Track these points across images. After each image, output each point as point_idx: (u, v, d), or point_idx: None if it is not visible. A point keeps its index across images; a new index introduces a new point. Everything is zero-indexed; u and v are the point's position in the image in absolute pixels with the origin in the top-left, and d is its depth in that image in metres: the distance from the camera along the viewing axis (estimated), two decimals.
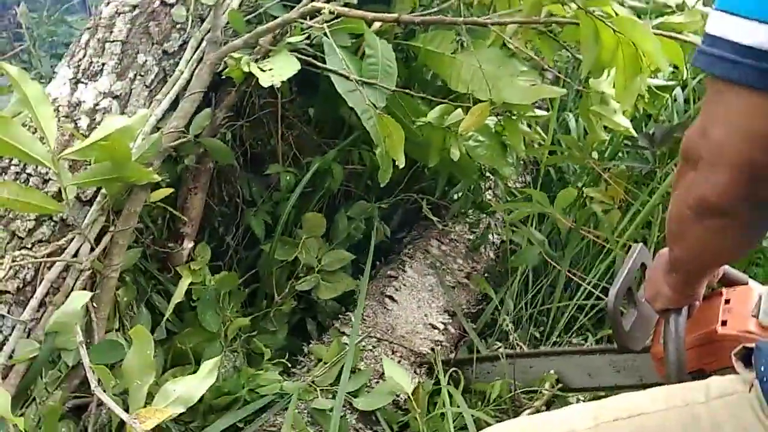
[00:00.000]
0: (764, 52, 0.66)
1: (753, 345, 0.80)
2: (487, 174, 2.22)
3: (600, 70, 1.44)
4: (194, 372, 1.55)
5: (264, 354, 1.71)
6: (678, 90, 2.26)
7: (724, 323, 1.04)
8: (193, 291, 1.60)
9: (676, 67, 1.40)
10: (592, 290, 1.95)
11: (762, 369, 0.76)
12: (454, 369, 1.80)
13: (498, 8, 1.60)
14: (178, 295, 1.50)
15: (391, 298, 1.94)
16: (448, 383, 1.76)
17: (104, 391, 1.17)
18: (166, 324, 1.57)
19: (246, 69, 1.47)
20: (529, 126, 1.99)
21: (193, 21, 1.68)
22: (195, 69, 1.59)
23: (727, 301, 1.07)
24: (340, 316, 1.90)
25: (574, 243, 2.12)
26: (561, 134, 2.33)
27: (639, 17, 1.54)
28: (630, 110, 1.60)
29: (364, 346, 1.79)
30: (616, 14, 1.41)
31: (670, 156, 2.02)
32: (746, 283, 1.12)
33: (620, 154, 2.20)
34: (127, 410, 1.13)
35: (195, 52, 1.62)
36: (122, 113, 1.52)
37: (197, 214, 1.64)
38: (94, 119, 1.50)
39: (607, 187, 2.17)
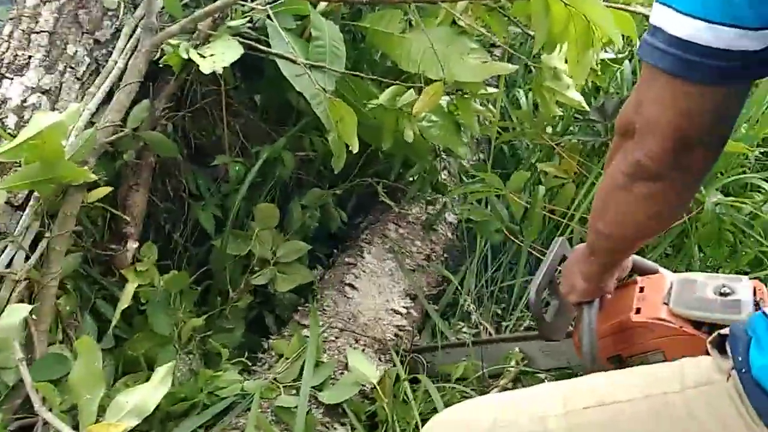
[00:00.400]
0: (689, 43, 0.73)
1: (726, 332, 0.79)
2: (442, 154, 2.18)
3: (552, 45, 1.41)
4: (148, 379, 1.49)
5: (221, 354, 1.64)
6: (626, 62, 2.26)
7: (638, 311, 1.08)
8: (141, 294, 1.51)
9: (628, 38, 1.38)
10: None
11: (739, 359, 0.75)
12: (418, 354, 1.78)
13: None
14: (125, 301, 1.41)
15: (351, 285, 1.89)
16: (414, 368, 1.74)
17: (50, 409, 1.10)
18: (115, 331, 1.48)
19: (185, 56, 1.39)
20: (482, 104, 1.96)
21: (125, 7, 1.57)
22: (130, 58, 1.49)
23: (642, 289, 1.11)
24: (299, 308, 1.84)
25: (532, 219, 2.11)
26: (513, 110, 2.31)
27: None
28: (581, 84, 1.58)
29: (326, 337, 1.74)
30: None
31: None
32: (657, 272, 1.17)
33: (571, 128, 2.19)
34: (77, 427, 1.06)
35: (129, 40, 1.52)
36: (53, 109, 1.42)
37: (140, 212, 1.55)
38: (22, 117, 1.39)
39: (560, 161, 2.16)
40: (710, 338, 0.82)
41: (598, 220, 0.97)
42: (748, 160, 2.06)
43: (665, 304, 1.05)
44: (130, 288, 1.42)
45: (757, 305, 0.98)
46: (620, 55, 2.08)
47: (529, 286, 1.21)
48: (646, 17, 1.59)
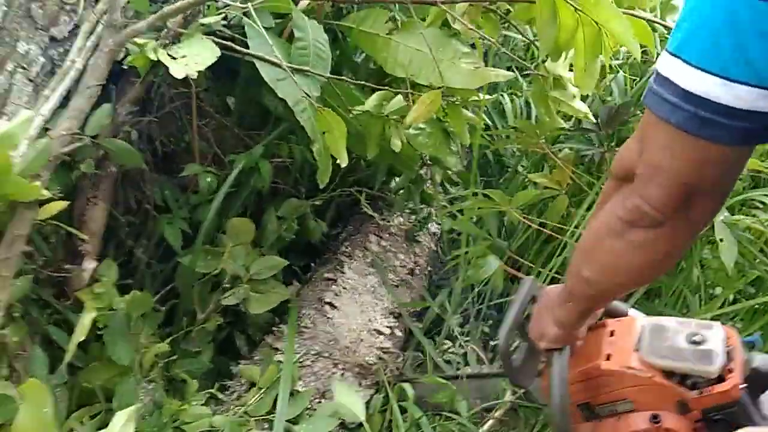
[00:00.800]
0: (702, 99, 0.67)
1: None
2: (428, 162, 2.06)
3: (558, 53, 1.30)
4: (106, 411, 1.34)
5: (188, 382, 1.50)
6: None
7: (608, 357, 1.03)
8: (99, 318, 1.36)
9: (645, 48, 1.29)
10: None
11: None
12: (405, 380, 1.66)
13: None
14: (81, 332, 1.26)
15: (330, 304, 1.76)
16: (397, 392, 1.63)
17: None
18: (69, 359, 1.32)
19: (153, 57, 1.24)
20: (472, 111, 1.84)
21: (85, 1, 1.40)
22: (90, 58, 1.33)
23: (612, 333, 1.07)
24: (274, 328, 1.71)
25: (521, 232, 2.01)
26: (518, 119, 2.20)
27: None
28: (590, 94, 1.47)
29: (302, 362, 1.61)
30: None
31: (617, 139, 1.93)
32: (627, 314, 1.13)
33: (563, 137, 2.09)
34: None
35: (89, 37, 1.36)
36: (0, 115, 1.25)
37: (99, 228, 1.40)
38: None
39: (551, 171, 2.06)
40: None
41: (584, 266, 0.92)
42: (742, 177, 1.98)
43: (636, 350, 1.01)
44: (87, 319, 1.27)
45: (728, 354, 0.94)
46: (616, 62, 1.99)
47: (499, 330, 1.14)
48: (650, 23, 1.50)
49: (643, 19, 1.30)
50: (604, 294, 0.98)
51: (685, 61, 0.68)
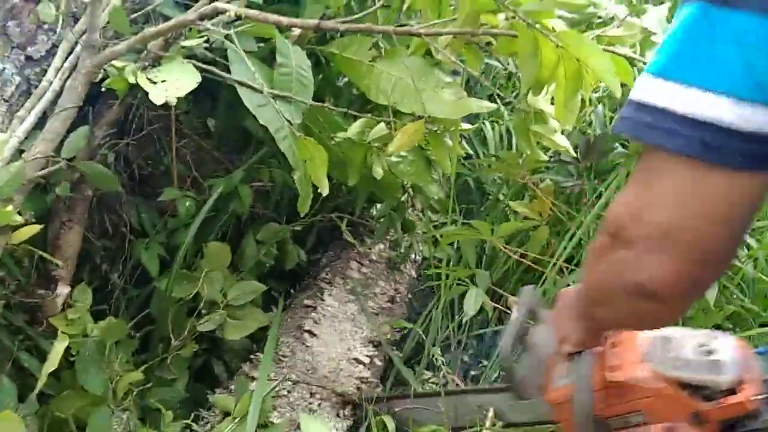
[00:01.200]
0: (704, 123, 0.59)
1: None
2: (410, 190, 2.05)
3: (539, 87, 1.30)
4: None
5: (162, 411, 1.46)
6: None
7: (614, 369, 1.00)
8: (72, 344, 1.32)
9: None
10: None
11: None
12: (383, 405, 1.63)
13: (427, 15, 1.43)
14: (53, 362, 1.22)
15: (310, 332, 1.74)
16: (378, 425, 1.60)
17: None
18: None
19: (132, 80, 1.22)
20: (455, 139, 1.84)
21: (64, 20, 1.39)
22: (67, 79, 1.31)
23: (614, 345, 1.03)
24: (252, 356, 1.67)
25: (501, 262, 2.00)
26: (499, 147, 2.21)
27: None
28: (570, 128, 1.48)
29: (277, 391, 1.58)
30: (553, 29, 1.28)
31: (595, 170, 1.95)
32: None
33: (544, 167, 2.10)
34: None
35: (67, 58, 1.34)
36: None
37: (74, 252, 1.37)
38: None
39: (531, 200, 2.06)
40: None
41: (595, 308, 0.83)
42: None
43: (644, 361, 0.98)
44: (60, 346, 1.23)
45: (741, 365, 0.91)
46: (595, 95, 2.01)
47: (499, 341, 1.11)
48: (630, 60, 1.52)
49: (623, 55, 1.32)
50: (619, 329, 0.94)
51: (680, 81, 0.60)
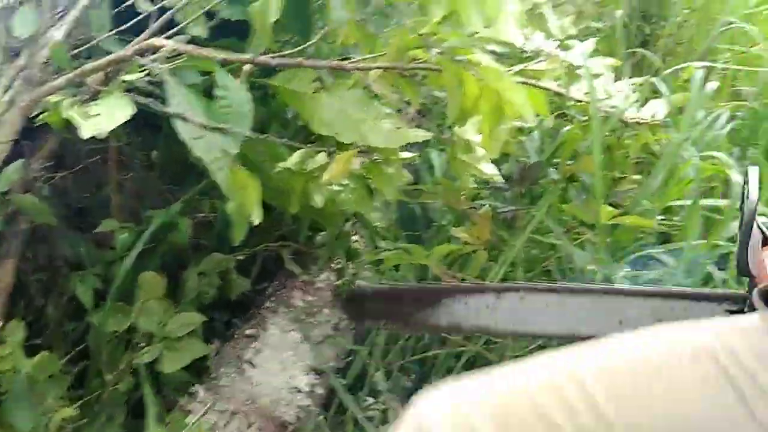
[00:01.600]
0: None
1: None
2: (353, 218, 2.09)
3: (464, 119, 1.37)
4: None
5: None
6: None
7: None
8: (1, 381, 1.30)
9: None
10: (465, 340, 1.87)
11: None
12: None
13: (362, 50, 1.48)
14: None
15: (250, 362, 1.74)
16: None
17: None
18: None
19: (65, 115, 1.23)
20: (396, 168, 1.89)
21: (4, 55, 1.39)
22: (5, 113, 1.31)
23: None
24: (191, 389, 1.66)
25: None
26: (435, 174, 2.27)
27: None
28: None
29: (215, 422, 1.57)
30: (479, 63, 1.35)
31: (530, 197, 2.03)
32: None
33: (481, 194, 2.17)
34: None
35: (5, 93, 1.34)
36: None
37: (6, 286, 1.36)
38: None
39: (471, 226, 2.12)
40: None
41: None
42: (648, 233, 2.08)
43: None
44: None
45: None
46: (529, 125, 2.09)
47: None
48: (557, 94, 1.60)
49: (547, 88, 1.40)
50: None
51: None
